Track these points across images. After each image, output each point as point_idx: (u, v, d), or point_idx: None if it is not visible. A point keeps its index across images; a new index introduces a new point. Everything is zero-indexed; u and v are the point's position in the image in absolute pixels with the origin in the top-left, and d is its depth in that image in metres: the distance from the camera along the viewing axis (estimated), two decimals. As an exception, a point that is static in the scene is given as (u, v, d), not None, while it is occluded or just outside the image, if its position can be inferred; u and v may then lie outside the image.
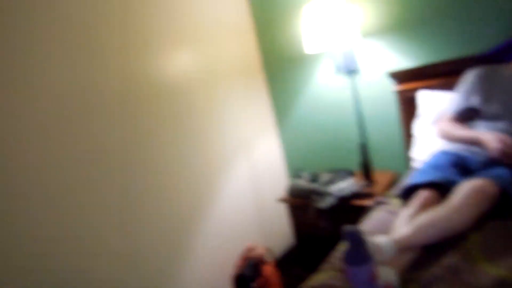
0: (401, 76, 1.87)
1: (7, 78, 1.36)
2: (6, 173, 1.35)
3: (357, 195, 1.84)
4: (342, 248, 1.25)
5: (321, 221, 1.92)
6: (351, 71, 1.98)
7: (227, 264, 2.08)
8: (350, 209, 1.82)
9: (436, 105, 1.70)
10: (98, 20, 1.64)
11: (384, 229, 1.25)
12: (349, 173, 2.01)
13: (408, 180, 1.43)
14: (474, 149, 1.38)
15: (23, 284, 1.36)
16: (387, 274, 1.01)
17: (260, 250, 2.01)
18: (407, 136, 1.88)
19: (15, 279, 1.34)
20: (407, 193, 1.36)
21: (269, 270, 1.97)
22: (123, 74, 1.70)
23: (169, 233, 1.85)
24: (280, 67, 2.35)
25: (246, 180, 2.26)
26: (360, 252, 0.94)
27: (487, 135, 1.31)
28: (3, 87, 1.35)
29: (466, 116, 1.50)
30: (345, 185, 1.88)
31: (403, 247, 1.08)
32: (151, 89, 1.81)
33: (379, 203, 1.50)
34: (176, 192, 1.89)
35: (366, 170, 1.95)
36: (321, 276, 1.14)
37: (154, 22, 1.85)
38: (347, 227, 0.95)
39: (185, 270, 1.91)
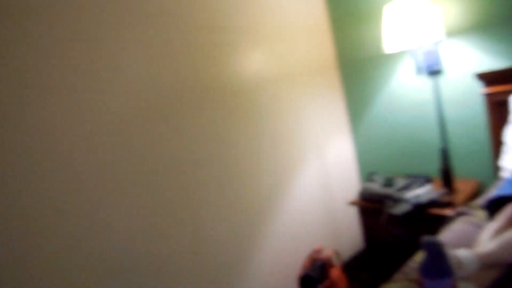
0: (490, 78, 1.73)
1: (89, 78, 1.46)
2: (87, 169, 1.45)
3: (434, 203, 1.74)
4: (418, 258, 1.18)
5: (394, 228, 1.84)
6: (433, 72, 1.87)
7: (294, 264, 2.08)
8: (427, 218, 1.72)
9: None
10: (173, 19, 1.70)
11: (466, 242, 1.16)
12: (427, 180, 1.90)
13: (496, 191, 1.31)
14: None
15: (98, 280, 1.46)
16: (468, 291, 0.94)
17: (328, 252, 1.98)
18: (496, 143, 1.73)
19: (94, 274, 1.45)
20: (494, 205, 1.26)
21: (336, 273, 1.93)
22: (197, 73, 1.76)
23: (238, 231, 1.88)
24: (356, 67, 2.29)
25: (316, 181, 2.23)
26: (439, 265, 0.89)
27: None
28: (87, 86, 1.45)
29: None
30: (422, 192, 1.78)
31: (487, 263, 1.00)
32: (226, 88, 1.85)
33: (461, 214, 1.40)
34: (246, 190, 1.92)
35: (446, 177, 1.83)
36: (393, 286, 1.09)
37: (230, 21, 1.88)
38: (426, 238, 0.90)
39: (252, 267, 1.93)
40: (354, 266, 2.27)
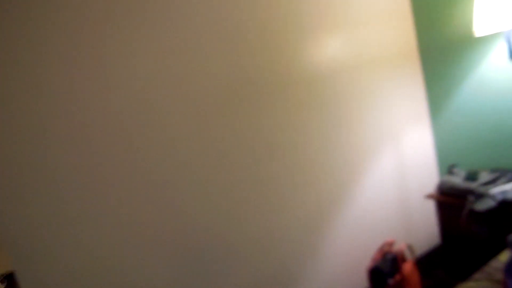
0: None
1: (162, 76, 1.52)
2: (167, 162, 1.52)
3: (524, 201, 1.59)
4: (504, 258, 1.10)
5: (475, 225, 1.72)
6: (530, 57, 1.69)
7: (364, 256, 2.03)
8: (514, 216, 1.58)
9: None
10: (248, 8, 1.71)
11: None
12: (516, 175, 1.74)
13: None
14: None
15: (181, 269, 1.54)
16: None
17: (400, 246, 1.90)
18: None
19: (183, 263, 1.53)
20: None
21: (408, 268, 1.85)
22: (272, 62, 1.75)
23: (308, 220, 1.87)
24: (440, 52, 2.14)
25: (391, 171, 2.15)
26: (529, 267, 0.81)
27: None
28: (160, 85, 1.52)
29: None
30: (510, 188, 1.63)
31: None
32: (300, 77, 1.83)
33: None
34: (318, 179, 1.90)
35: (540, 174, 1.67)
36: (473, 285, 1.03)
37: (305, 6, 1.85)
38: (515, 236, 0.83)
39: (321, 257, 1.92)
40: (429, 262, 2.16)
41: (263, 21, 1.73)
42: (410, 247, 1.93)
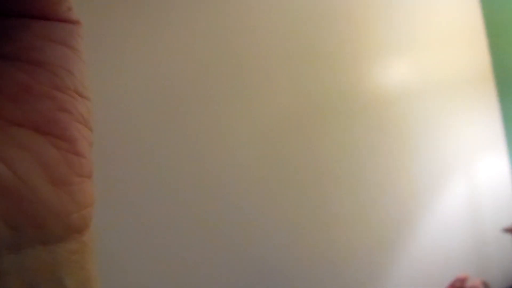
0: None
1: (236, 91, 1.57)
2: (238, 177, 1.55)
3: None
4: None
5: None
6: None
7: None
8: None
9: None
10: (317, 29, 1.73)
11: None
12: None
13: None
14: None
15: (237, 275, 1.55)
16: None
17: (474, 283, 1.76)
18: None
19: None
20: None
21: (484, 308, 1.71)
22: (337, 86, 1.75)
23: (372, 248, 1.81)
24: (517, 74, 2.01)
25: (462, 201, 2.02)
26: None
27: None
28: (228, 98, 1.56)
29: None
30: None
31: None
32: (366, 100, 1.81)
33: None
34: (383, 206, 1.84)
35: None
36: None
37: (371, 29, 1.83)
38: None
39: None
40: (507, 302, 1.98)
41: (329, 44, 1.74)
42: (485, 284, 1.79)
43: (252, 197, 1.58)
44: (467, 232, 2.04)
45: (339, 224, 1.74)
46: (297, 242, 1.66)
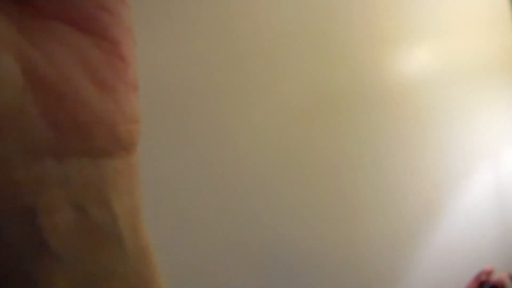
0: None
1: (247, 82, 1.56)
2: (248, 170, 1.55)
3: None
4: None
5: None
6: None
7: (456, 284, 1.86)
8: None
9: None
10: (332, 15, 1.71)
11: None
12: None
13: None
14: None
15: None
16: None
17: (501, 276, 1.71)
18: None
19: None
20: None
21: (511, 301, 1.65)
22: (354, 74, 1.72)
23: (392, 239, 1.77)
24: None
25: (488, 192, 1.97)
26: None
27: None
28: (241, 92, 1.56)
29: None
30: None
31: None
32: (385, 90, 1.77)
33: None
34: (404, 196, 1.80)
35: None
36: None
37: (390, 14, 1.80)
38: None
39: (407, 279, 1.80)
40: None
41: (344, 30, 1.71)
42: (512, 278, 1.74)
43: (266, 191, 1.57)
44: (493, 224, 1.99)
45: (358, 217, 1.72)
46: (314, 237, 1.64)
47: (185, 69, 1.45)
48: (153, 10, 1.41)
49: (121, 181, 0.20)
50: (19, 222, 0.17)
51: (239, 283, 1.50)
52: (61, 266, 0.17)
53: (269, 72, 1.57)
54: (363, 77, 1.73)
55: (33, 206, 0.17)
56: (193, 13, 1.48)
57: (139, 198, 0.21)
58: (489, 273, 1.77)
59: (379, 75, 1.76)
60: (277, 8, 1.60)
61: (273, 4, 1.60)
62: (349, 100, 1.70)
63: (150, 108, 1.40)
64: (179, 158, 1.43)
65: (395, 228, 1.78)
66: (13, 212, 0.17)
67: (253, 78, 1.55)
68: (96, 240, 0.18)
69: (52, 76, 0.17)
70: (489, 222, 1.98)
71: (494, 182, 1.99)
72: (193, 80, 1.46)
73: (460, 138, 1.91)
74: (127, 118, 0.20)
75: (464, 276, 1.87)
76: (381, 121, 1.76)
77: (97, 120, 0.19)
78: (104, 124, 0.19)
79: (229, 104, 1.51)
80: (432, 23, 1.87)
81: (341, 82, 1.69)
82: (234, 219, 1.50)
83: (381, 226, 1.75)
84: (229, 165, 1.50)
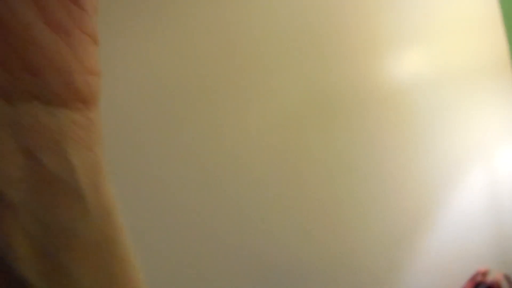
0: None
1: (242, 84, 1.56)
2: (242, 171, 1.55)
3: None
4: None
5: None
6: None
7: (452, 285, 1.85)
8: None
9: None
10: (327, 19, 1.72)
11: None
12: None
13: None
14: None
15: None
16: None
17: (496, 276, 1.71)
18: None
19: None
20: None
21: (507, 302, 1.65)
22: (348, 77, 1.73)
23: (387, 242, 1.77)
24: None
25: (482, 194, 1.97)
26: None
27: None
28: (237, 94, 1.56)
29: None
30: None
31: None
32: (375, 93, 1.78)
33: None
34: (397, 198, 1.80)
35: None
36: None
37: (383, 18, 1.81)
38: None
39: (402, 282, 1.79)
40: (532, 298, 1.91)
41: (338, 34, 1.72)
42: (507, 278, 1.74)
43: (261, 193, 1.56)
44: (488, 225, 1.99)
45: (352, 220, 1.71)
46: (309, 240, 1.63)
47: (182, 71, 1.45)
48: (151, 13, 1.42)
49: (80, 134, 0.19)
50: None
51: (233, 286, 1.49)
52: (15, 216, 0.16)
53: (264, 76, 1.57)
54: (357, 80, 1.73)
55: None
56: (190, 16, 1.49)
57: (102, 156, 0.20)
58: (484, 273, 1.77)
59: (373, 79, 1.77)
60: (273, 12, 1.61)
61: (269, 9, 1.61)
62: (343, 103, 1.71)
63: (146, 110, 1.40)
64: (174, 160, 1.42)
65: (391, 230, 1.77)
66: None
67: (249, 82, 1.55)
68: (53, 192, 0.18)
69: (2, 13, 0.16)
70: (484, 223, 1.97)
71: (488, 183, 1.99)
72: (189, 82, 1.46)
73: (453, 140, 1.92)
74: (84, 67, 0.19)
75: (460, 277, 1.86)
76: (375, 124, 1.76)
77: (49, 62, 0.18)
78: (57, 68, 0.18)
79: (224, 108, 1.51)
80: (424, 26, 1.88)
81: (335, 85, 1.69)
82: (229, 222, 1.49)
83: (376, 228, 1.74)
84: (224, 168, 1.49)
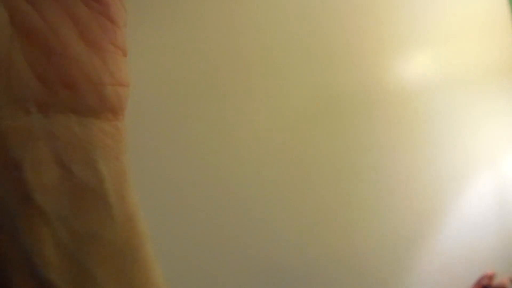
0: None
1: (250, 84, 1.57)
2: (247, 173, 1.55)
3: None
4: None
5: None
6: None
7: (458, 288, 1.85)
8: None
9: None
10: (335, 21, 1.72)
11: None
12: None
13: None
14: None
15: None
16: None
17: (502, 280, 1.70)
18: None
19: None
20: None
21: (513, 306, 1.64)
22: (355, 78, 1.72)
23: (393, 244, 1.77)
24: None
25: (489, 197, 1.96)
26: None
27: None
28: (243, 96, 1.56)
29: None
30: None
31: None
32: (383, 94, 1.77)
33: None
34: (401, 203, 1.80)
35: None
36: None
37: (392, 20, 1.81)
38: None
39: (408, 286, 1.79)
40: (538, 302, 1.90)
41: (347, 36, 1.72)
42: (514, 282, 1.73)
43: (269, 193, 1.57)
44: (495, 228, 1.98)
45: (359, 221, 1.71)
46: (316, 241, 1.63)
47: (189, 71, 1.46)
48: (157, 12, 1.43)
49: (109, 143, 0.20)
50: (5, 175, 0.17)
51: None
52: (47, 224, 0.17)
53: (272, 77, 1.58)
54: (366, 82, 1.73)
55: (20, 159, 0.17)
56: (197, 16, 1.49)
57: (127, 165, 0.21)
58: (490, 277, 1.76)
59: (382, 80, 1.77)
60: (280, 13, 1.61)
61: (276, 10, 1.61)
62: (351, 105, 1.70)
63: (153, 110, 1.41)
64: (181, 160, 1.43)
65: (397, 232, 1.77)
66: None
67: (258, 82, 1.56)
68: (83, 201, 0.18)
69: (41, 28, 0.17)
70: (490, 226, 1.97)
71: (495, 186, 1.99)
72: (196, 83, 1.47)
73: (460, 143, 1.91)
74: (114, 78, 0.20)
75: (466, 281, 1.85)
76: (383, 126, 1.76)
77: (84, 77, 0.19)
78: (92, 81, 0.19)
79: (231, 108, 1.51)
80: (432, 28, 1.88)
81: (343, 87, 1.69)
82: (235, 222, 1.50)
83: (383, 230, 1.74)
84: (231, 169, 1.50)
